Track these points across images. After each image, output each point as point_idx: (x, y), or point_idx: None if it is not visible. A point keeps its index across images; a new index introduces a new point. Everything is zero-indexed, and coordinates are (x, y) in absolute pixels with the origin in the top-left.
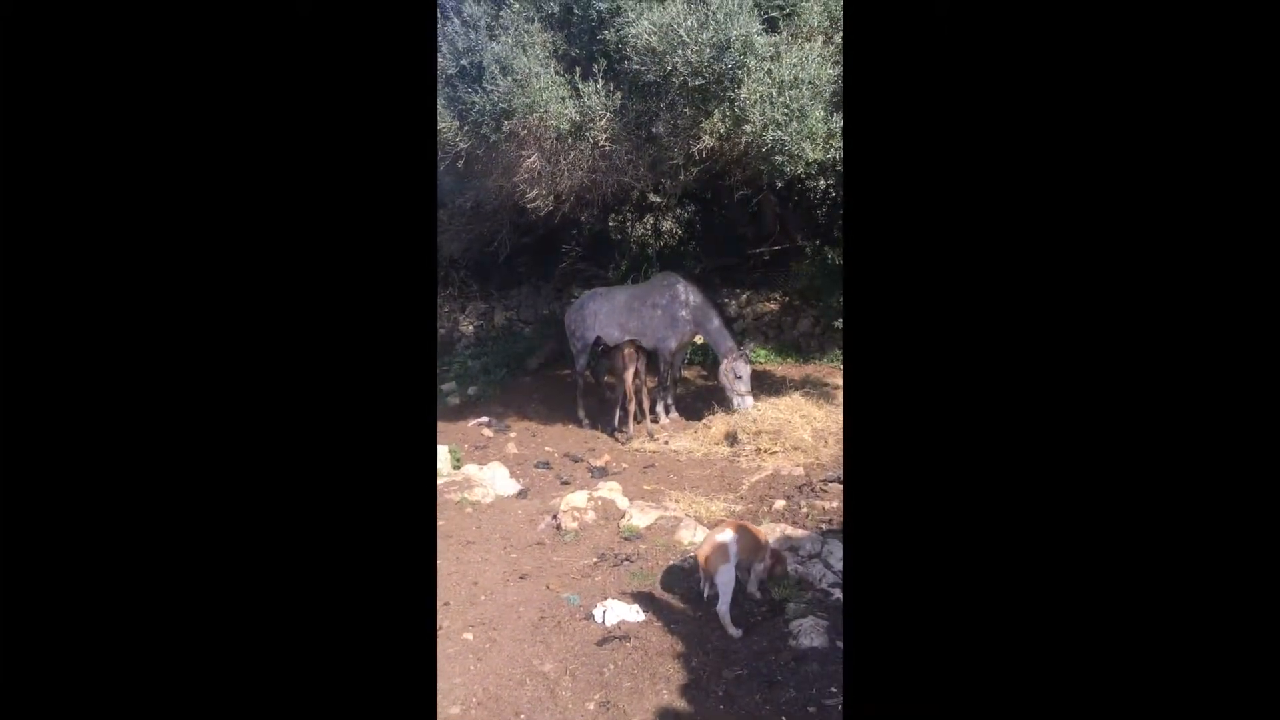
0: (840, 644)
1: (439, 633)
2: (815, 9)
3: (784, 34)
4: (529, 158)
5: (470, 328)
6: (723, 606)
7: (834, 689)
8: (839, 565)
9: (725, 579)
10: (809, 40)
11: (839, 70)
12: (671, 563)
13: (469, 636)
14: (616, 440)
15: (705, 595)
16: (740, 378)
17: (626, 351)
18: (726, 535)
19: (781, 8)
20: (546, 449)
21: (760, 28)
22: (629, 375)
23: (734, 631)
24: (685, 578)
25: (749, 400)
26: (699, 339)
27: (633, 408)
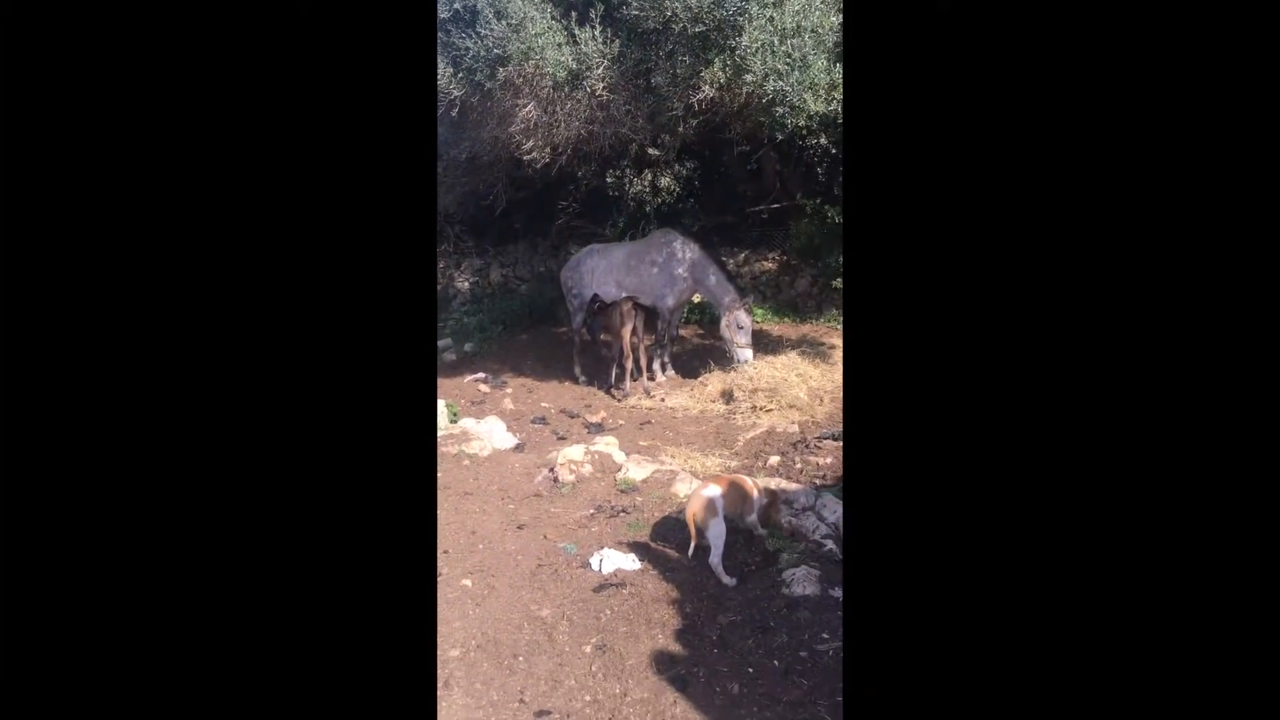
0: (832, 592)
1: (438, 579)
2: None
3: None
4: (525, 107)
5: (466, 284)
6: (714, 559)
7: (825, 635)
8: (831, 518)
9: (715, 532)
10: None
11: (842, 18)
12: (668, 514)
13: (468, 583)
14: (613, 397)
15: (692, 551)
16: (742, 328)
17: (624, 308)
18: (713, 490)
19: None
20: (543, 405)
21: None
22: (626, 332)
23: (728, 580)
24: (681, 528)
25: (749, 353)
26: (697, 297)
27: (629, 365)
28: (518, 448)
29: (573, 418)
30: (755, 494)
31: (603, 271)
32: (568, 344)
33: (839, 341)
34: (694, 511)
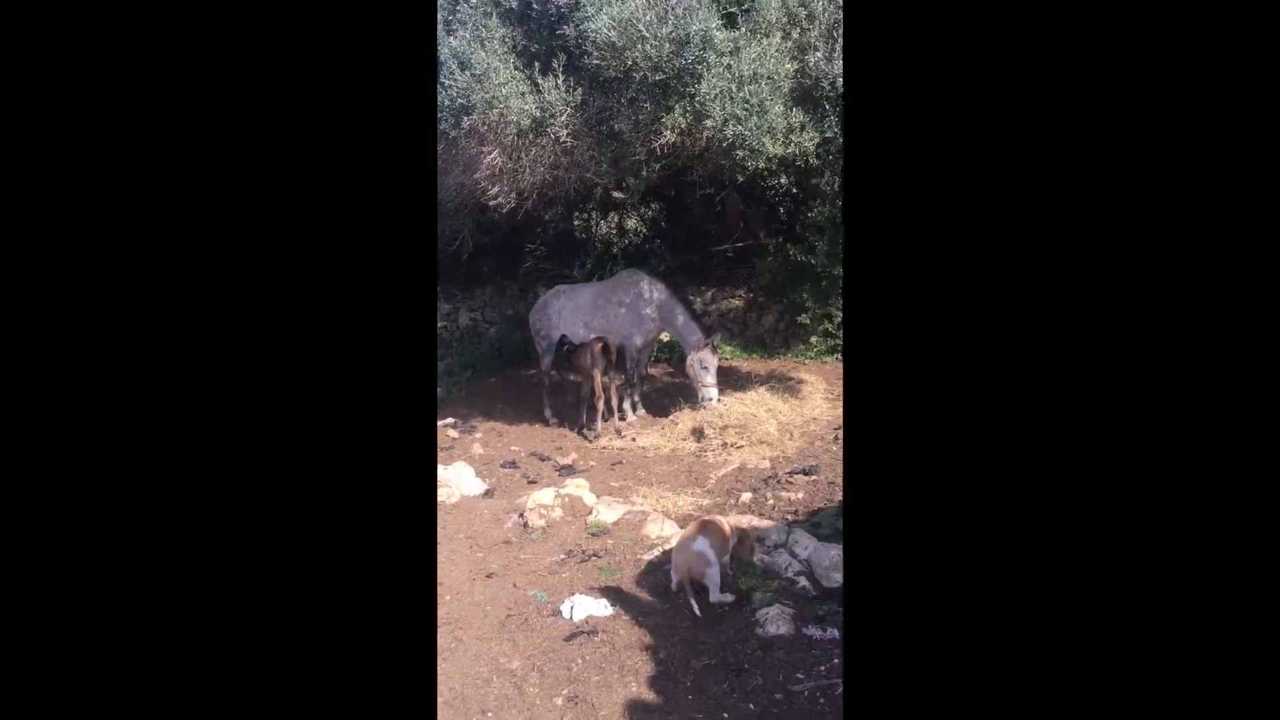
0: (805, 631)
1: None
2: (773, 4)
3: (743, 29)
4: (490, 154)
5: None
6: (715, 596)
7: (799, 675)
8: (804, 554)
9: (713, 578)
10: (767, 35)
11: (797, 65)
12: (640, 557)
13: None
14: (584, 438)
15: (698, 607)
16: (707, 369)
17: (594, 349)
18: (701, 544)
19: (740, 3)
20: (513, 449)
21: (719, 23)
22: (597, 373)
23: (728, 598)
24: (653, 571)
25: (714, 392)
26: (666, 335)
27: (600, 405)
28: (487, 493)
29: (543, 460)
30: (728, 533)
31: (570, 312)
32: (537, 386)
33: (807, 376)
34: (688, 567)
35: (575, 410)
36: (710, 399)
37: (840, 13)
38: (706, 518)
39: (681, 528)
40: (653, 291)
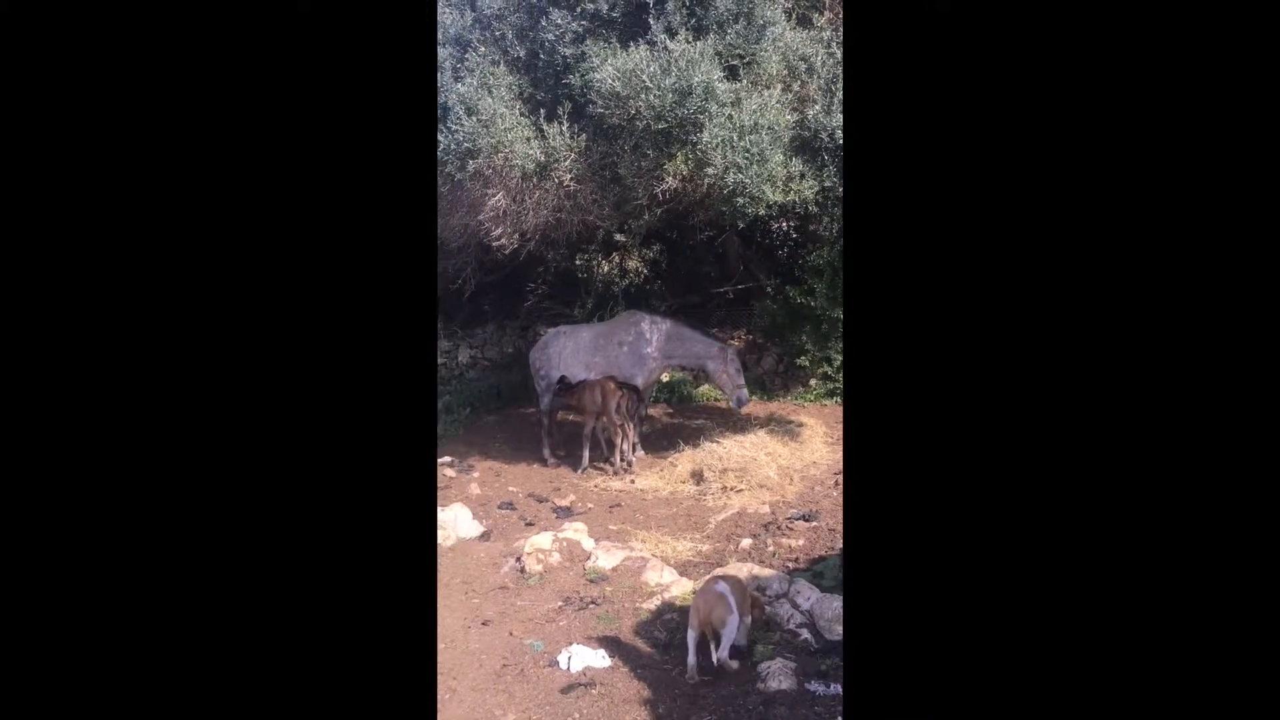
0: (808, 686)
1: None
2: (774, 58)
3: (744, 81)
4: (494, 196)
5: None
6: (723, 653)
7: None
8: (806, 605)
9: (731, 627)
10: (768, 87)
11: (797, 117)
12: (639, 605)
13: None
14: (603, 472)
15: (715, 659)
16: (740, 370)
17: (608, 386)
18: (722, 587)
19: (741, 56)
20: (510, 489)
21: (721, 75)
22: (611, 408)
23: (734, 665)
24: (652, 621)
25: (746, 392)
26: (665, 375)
27: (619, 442)
28: (484, 536)
29: (541, 502)
30: (746, 589)
31: (570, 353)
32: (537, 425)
33: (807, 419)
34: (709, 609)
35: (575, 449)
36: (746, 401)
37: (839, 67)
38: (728, 573)
39: (681, 575)
40: (654, 332)
